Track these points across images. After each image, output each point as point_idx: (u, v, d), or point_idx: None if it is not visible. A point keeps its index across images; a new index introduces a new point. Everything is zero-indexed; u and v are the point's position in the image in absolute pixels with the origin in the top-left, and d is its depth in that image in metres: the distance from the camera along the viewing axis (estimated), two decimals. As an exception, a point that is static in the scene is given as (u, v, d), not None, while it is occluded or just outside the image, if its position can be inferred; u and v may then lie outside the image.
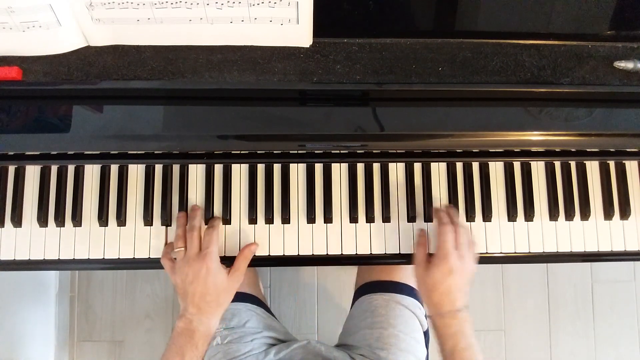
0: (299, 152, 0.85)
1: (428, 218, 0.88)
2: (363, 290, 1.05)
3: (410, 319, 0.96)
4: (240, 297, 1.01)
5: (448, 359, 0.75)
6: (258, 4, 0.67)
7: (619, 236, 0.88)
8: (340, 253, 0.87)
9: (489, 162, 0.89)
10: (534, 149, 0.85)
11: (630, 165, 0.90)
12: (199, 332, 0.76)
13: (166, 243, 0.86)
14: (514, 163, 0.89)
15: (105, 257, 0.86)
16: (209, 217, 0.86)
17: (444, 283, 0.76)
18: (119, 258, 0.86)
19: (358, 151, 0.86)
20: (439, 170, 0.89)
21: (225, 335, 0.94)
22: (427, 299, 0.79)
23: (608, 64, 0.75)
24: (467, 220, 0.88)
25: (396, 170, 0.89)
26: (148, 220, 0.86)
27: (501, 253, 0.88)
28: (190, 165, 0.88)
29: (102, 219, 0.86)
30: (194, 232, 0.80)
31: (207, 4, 0.67)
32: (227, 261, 0.84)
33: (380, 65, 0.75)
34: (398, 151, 0.86)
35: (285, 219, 0.87)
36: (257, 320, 0.98)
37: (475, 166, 0.89)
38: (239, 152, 0.85)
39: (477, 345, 0.75)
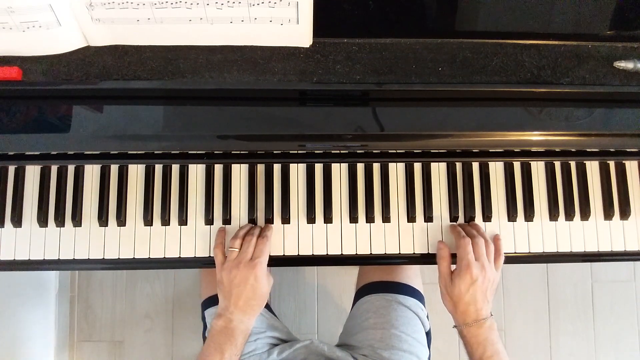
0: (299, 152, 0.85)
1: (428, 218, 0.88)
2: (364, 290, 1.05)
3: (412, 319, 0.96)
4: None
5: None
6: (258, 4, 0.67)
7: (619, 236, 0.88)
8: (340, 253, 0.87)
9: (489, 162, 0.89)
10: (534, 149, 0.85)
11: (630, 165, 0.90)
12: (238, 330, 0.79)
13: (165, 243, 0.86)
14: (514, 163, 0.89)
15: (105, 257, 0.86)
16: (209, 217, 0.86)
17: (468, 293, 0.78)
18: (119, 258, 0.86)
19: (358, 151, 0.86)
20: (439, 170, 0.89)
21: (228, 334, 0.94)
22: (454, 310, 0.81)
23: (608, 64, 0.75)
24: (467, 221, 0.88)
25: (396, 170, 0.89)
26: (148, 220, 0.86)
27: (501, 253, 0.88)
28: (190, 165, 0.88)
29: (102, 219, 0.86)
30: (253, 238, 0.81)
31: (207, 4, 0.67)
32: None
33: (380, 65, 0.75)
34: (398, 151, 0.86)
35: (285, 219, 0.87)
36: (260, 320, 0.99)
37: (475, 166, 0.89)
38: (239, 152, 0.85)
39: (504, 352, 0.78)
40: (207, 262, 0.87)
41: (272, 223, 0.87)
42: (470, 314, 0.79)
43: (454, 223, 0.88)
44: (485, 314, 0.79)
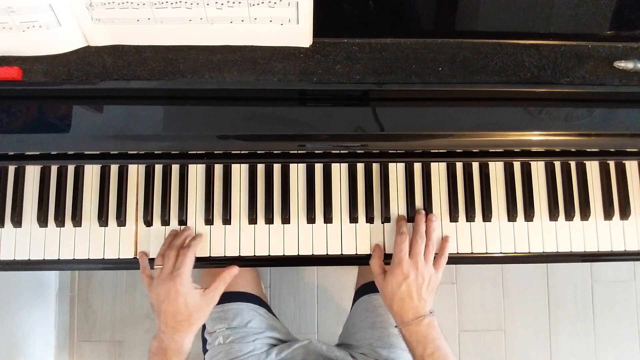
0: (299, 152, 0.85)
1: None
2: (363, 290, 1.05)
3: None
4: (242, 297, 1.01)
5: None
6: (258, 4, 0.67)
7: (619, 236, 0.88)
8: (340, 253, 0.87)
9: (489, 162, 0.89)
10: (534, 149, 0.85)
11: (630, 165, 0.90)
12: (170, 350, 0.76)
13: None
14: (514, 163, 0.89)
15: (105, 257, 0.86)
16: (209, 217, 0.86)
17: (400, 289, 0.78)
18: (119, 258, 0.86)
19: (358, 151, 0.86)
20: (439, 170, 0.89)
21: (227, 335, 0.94)
22: (390, 309, 0.81)
23: (608, 64, 0.75)
24: (467, 220, 0.88)
25: (396, 170, 0.89)
26: (148, 221, 0.86)
27: (501, 253, 0.88)
28: (190, 165, 0.88)
29: (102, 219, 0.86)
30: (171, 252, 0.79)
31: (207, 4, 0.67)
32: (227, 262, 0.85)
33: (380, 65, 0.75)
34: (398, 151, 0.86)
35: (285, 219, 0.87)
36: (259, 321, 0.99)
37: (475, 166, 0.89)
38: (239, 152, 0.85)
39: (446, 347, 0.77)
40: (206, 262, 0.87)
41: (272, 223, 0.87)
42: (407, 312, 0.77)
43: (402, 215, 0.87)
44: (423, 312, 0.77)
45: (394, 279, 0.78)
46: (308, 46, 0.74)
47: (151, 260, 0.85)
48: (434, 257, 0.82)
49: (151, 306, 0.79)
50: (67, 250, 0.86)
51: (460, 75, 0.75)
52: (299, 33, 0.72)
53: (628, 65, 0.74)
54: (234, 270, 0.83)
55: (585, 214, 0.88)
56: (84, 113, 0.75)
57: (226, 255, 0.86)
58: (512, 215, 0.88)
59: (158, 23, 0.70)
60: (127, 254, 0.86)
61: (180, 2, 0.67)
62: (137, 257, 0.85)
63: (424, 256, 0.80)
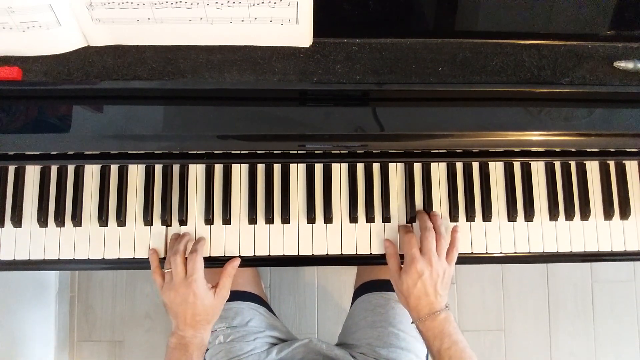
0: (299, 152, 0.85)
1: (428, 218, 0.88)
2: (363, 289, 1.05)
3: (409, 317, 0.96)
4: (242, 296, 1.01)
5: (436, 359, 0.78)
6: (258, 4, 0.67)
7: (619, 236, 0.88)
8: (340, 253, 0.87)
9: (489, 162, 0.89)
10: (534, 149, 0.85)
11: (630, 165, 0.90)
12: (192, 344, 0.80)
13: (166, 244, 0.86)
14: (514, 163, 0.89)
15: (105, 257, 0.86)
16: (209, 217, 0.86)
17: (415, 287, 0.78)
18: (119, 258, 0.86)
19: (358, 151, 0.86)
20: (439, 170, 0.89)
21: (228, 334, 0.94)
22: (406, 306, 0.81)
23: (608, 64, 0.75)
24: (467, 220, 0.88)
25: (396, 170, 0.89)
26: (148, 220, 0.87)
27: (501, 253, 0.88)
28: (190, 165, 0.88)
29: (102, 219, 0.86)
30: (177, 257, 0.80)
31: (207, 4, 0.67)
32: (226, 262, 0.85)
33: (380, 65, 0.75)
34: (398, 151, 0.86)
35: (285, 219, 0.87)
36: (259, 320, 0.99)
37: (475, 166, 0.89)
38: (239, 152, 0.85)
39: (463, 341, 0.77)
40: (206, 262, 0.86)
41: (272, 223, 0.87)
42: (423, 308, 0.78)
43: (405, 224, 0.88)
44: (439, 307, 0.78)
45: (409, 278, 0.78)
46: (308, 46, 0.74)
47: (161, 260, 0.85)
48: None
49: (164, 305, 0.82)
50: (67, 250, 0.86)
51: (460, 75, 0.75)
52: (299, 33, 0.72)
53: (628, 65, 0.74)
54: (236, 262, 0.85)
55: (585, 214, 0.88)
56: (84, 113, 0.75)
57: (226, 255, 0.86)
58: (512, 215, 0.88)
59: (158, 23, 0.70)
60: (127, 254, 0.86)
61: (180, 2, 0.67)
62: (148, 257, 0.85)
63: (437, 251, 0.80)
